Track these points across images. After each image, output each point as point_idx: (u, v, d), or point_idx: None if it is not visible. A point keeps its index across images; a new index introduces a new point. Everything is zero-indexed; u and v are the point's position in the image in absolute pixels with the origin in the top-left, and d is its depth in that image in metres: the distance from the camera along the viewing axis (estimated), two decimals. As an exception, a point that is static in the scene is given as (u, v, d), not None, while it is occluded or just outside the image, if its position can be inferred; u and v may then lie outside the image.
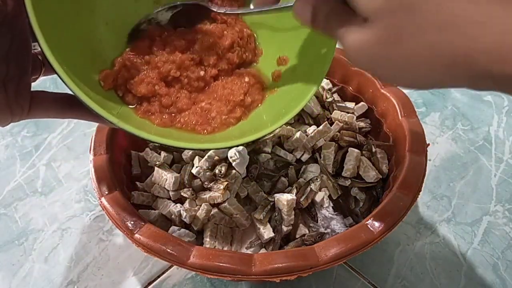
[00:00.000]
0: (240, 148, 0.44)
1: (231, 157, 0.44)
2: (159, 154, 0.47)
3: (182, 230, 0.42)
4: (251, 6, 0.36)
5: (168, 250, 0.35)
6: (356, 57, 0.24)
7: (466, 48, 0.21)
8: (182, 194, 0.44)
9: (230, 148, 0.44)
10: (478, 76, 0.21)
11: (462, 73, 0.21)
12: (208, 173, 0.44)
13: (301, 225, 0.43)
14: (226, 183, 0.43)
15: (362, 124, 0.50)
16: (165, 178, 0.44)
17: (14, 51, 0.30)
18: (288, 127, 0.48)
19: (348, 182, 0.45)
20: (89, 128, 0.64)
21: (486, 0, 0.20)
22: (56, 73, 0.27)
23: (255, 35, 0.39)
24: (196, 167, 0.44)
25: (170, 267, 0.48)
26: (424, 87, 0.25)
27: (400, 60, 0.23)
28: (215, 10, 0.35)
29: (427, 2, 0.21)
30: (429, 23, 0.21)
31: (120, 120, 0.29)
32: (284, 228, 0.42)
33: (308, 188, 0.43)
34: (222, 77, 0.36)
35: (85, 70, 0.32)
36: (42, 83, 0.71)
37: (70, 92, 0.28)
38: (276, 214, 0.42)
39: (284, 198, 0.41)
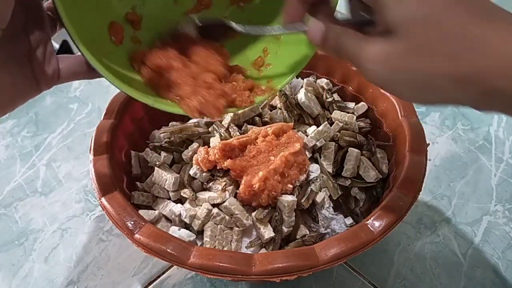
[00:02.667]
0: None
1: None
2: (159, 154, 0.47)
3: (182, 230, 0.42)
4: (267, 27, 0.36)
5: (168, 250, 0.35)
6: (377, 69, 0.25)
7: (482, 66, 0.22)
8: (182, 194, 0.44)
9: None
10: (487, 93, 0.22)
11: (474, 89, 0.23)
12: (204, 174, 0.44)
13: (301, 225, 0.43)
14: (224, 183, 0.43)
15: (362, 124, 0.50)
16: (165, 178, 0.44)
17: (31, 22, 0.30)
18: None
19: (348, 182, 0.45)
20: (89, 128, 0.64)
21: (506, 24, 0.22)
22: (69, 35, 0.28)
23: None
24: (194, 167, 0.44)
25: (170, 267, 0.48)
26: (437, 102, 0.25)
27: (420, 73, 0.23)
28: (238, 29, 0.36)
29: (451, 20, 0.22)
30: (452, 39, 0.22)
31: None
32: (285, 229, 0.42)
33: (309, 189, 0.43)
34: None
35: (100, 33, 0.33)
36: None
37: None
38: (277, 214, 0.42)
39: (285, 200, 0.41)
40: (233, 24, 0.36)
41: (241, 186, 0.42)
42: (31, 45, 0.30)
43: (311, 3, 0.32)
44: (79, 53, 0.29)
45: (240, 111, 0.48)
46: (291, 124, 0.47)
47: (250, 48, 0.41)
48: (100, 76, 0.31)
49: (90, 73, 0.33)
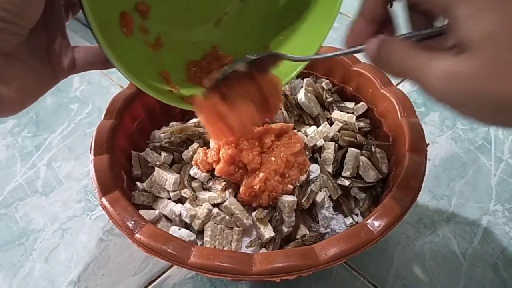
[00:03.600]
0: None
1: None
2: (160, 154, 0.48)
3: (183, 230, 0.42)
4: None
5: (169, 250, 0.35)
6: (445, 88, 0.22)
7: None
8: (182, 194, 0.44)
9: None
10: None
11: None
12: (204, 174, 0.44)
13: (301, 225, 0.43)
14: (224, 183, 0.43)
15: (361, 124, 0.50)
16: (165, 178, 0.44)
17: (49, 14, 0.30)
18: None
19: (348, 182, 0.45)
20: (90, 128, 0.64)
21: None
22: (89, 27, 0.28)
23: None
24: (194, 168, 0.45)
25: (170, 267, 0.48)
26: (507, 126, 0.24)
27: (496, 96, 0.21)
28: (292, 57, 0.36)
29: None
30: None
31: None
32: (285, 229, 0.42)
33: (309, 189, 0.44)
34: None
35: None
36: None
37: None
38: (277, 214, 0.42)
39: (286, 200, 0.41)
40: (287, 55, 0.36)
41: (242, 188, 0.42)
42: (50, 36, 0.31)
43: (379, 23, 0.29)
44: (95, 44, 0.30)
45: None
46: (291, 124, 0.47)
47: (252, 44, 0.41)
48: (113, 67, 0.31)
49: (105, 63, 0.33)
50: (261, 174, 0.41)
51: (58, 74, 0.32)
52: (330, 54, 0.32)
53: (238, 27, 0.42)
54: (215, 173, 0.43)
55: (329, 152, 0.46)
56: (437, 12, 0.24)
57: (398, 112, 0.46)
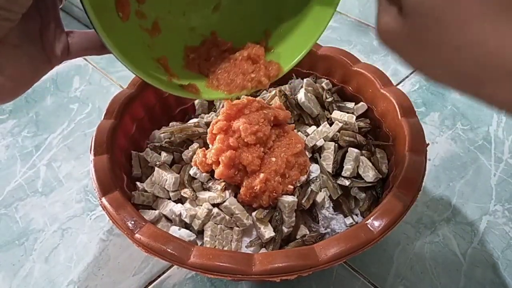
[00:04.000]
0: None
1: None
2: (159, 154, 0.48)
3: (182, 230, 0.42)
4: None
5: (169, 250, 0.35)
6: (381, 38, 0.26)
7: (476, 69, 0.22)
8: (182, 194, 0.44)
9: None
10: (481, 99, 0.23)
11: (469, 94, 0.23)
12: (204, 174, 0.44)
13: (301, 225, 0.43)
14: (223, 183, 0.43)
15: (361, 124, 0.50)
16: (165, 178, 0.44)
17: None
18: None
19: (348, 182, 0.45)
20: (90, 128, 0.64)
21: (505, 20, 0.21)
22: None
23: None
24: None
25: (170, 267, 0.48)
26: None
27: (418, 56, 0.24)
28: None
29: (454, 19, 0.22)
30: (449, 39, 0.22)
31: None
32: (285, 229, 0.42)
33: (309, 189, 0.44)
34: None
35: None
36: (43, 83, 0.71)
37: None
38: (277, 214, 0.42)
39: (286, 200, 0.41)
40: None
41: (242, 189, 0.42)
42: (43, 21, 0.30)
43: None
44: (91, 29, 0.29)
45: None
46: (292, 125, 0.47)
47: (251, 31, 0.40)
48: (109, 52, 0.30)
49: (101, 49, 0.33)
50: (262, 175, 0.41)
51: (52, 60, 0.32)
52: None
53: (237, 12, 0.41)
54: (215, 176, 0.43)
55: (329, 152, 0.46)
56: None
57: (398, 112, 0.46)
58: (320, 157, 0.46)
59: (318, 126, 0.48)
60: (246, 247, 0.42)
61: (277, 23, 0.40)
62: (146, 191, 0.46)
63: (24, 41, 0.30)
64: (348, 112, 0.50)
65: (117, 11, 0.34)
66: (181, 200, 0.45)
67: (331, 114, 0.50)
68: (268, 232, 0.41)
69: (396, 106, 0.46)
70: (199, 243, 0.42)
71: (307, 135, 0.47)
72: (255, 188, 0.41)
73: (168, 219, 0.44)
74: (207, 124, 0.49)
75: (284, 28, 0.40)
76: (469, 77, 0.22)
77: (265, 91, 0.54)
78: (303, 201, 0.43)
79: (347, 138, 0.47)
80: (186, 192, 0.43)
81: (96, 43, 0.33)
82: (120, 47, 0.30)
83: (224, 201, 0.42)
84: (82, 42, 0.33)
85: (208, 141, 0.45)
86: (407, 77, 0.69)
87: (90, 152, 0.43)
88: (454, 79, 0.24)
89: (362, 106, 0.51)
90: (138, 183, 0.47)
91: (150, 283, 0.47)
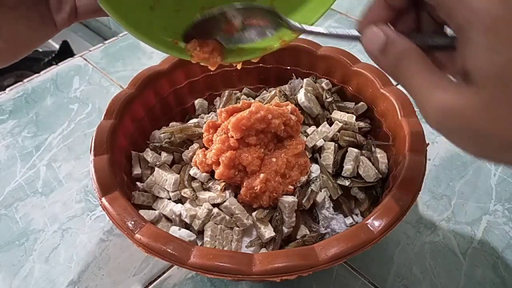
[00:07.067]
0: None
1: None
2: (159, 154, 0.48)
3: (183, 230, 0.42)
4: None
5: (169, 250, 0.35)
6: (439, 122, 0.22)
7: None
8: (182, 194, 0.44)
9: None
10: None
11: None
12: (204, 174, 0.44)
13: (302, 226, 0.43)
14: (223, 183, 0.43)
15: (361, 124, 0.50)
16: (165, 178, 0.44)
17: None
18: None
19: (348, 182, 0.45)
20: (90, 129, 0.64)
21: None
22: None
23: None
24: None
25: (170, 267, 0.48)
26: (501, 162, 0.23)
27: (489, 136, 0.20)
28: (290, 23, 0.32)
29: None
30: None
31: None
32: (285, 230, 0.42)
33: (309, 189, 0.44)
34: None
35: None
36: (43, 83, 0.71)
37: None
38: (277, 214, 0.42)
39: (286, 200, 0.41)
40: (282, 15, 0.32)
41: (242, 189, 0.42)
42: None
43: (398, 10, 0.27)
44: None
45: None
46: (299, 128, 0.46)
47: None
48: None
49: None
50: (262, 175, 0.41)
51: (58, 22, 0.30)
52: (333, 33, 0.30)
53: None
54: (215, 176, 0.43)
55: (329, 152, 0.46)
56: (451, 27, 0.23)
57: (398, 112, 0.46)
58: (320, 157, 0.46)
59: (318, 126, 0.48)
60: (246, 247, 0.42)
61: None
62: (146, 191, 0.46)
63: (22, 2, 0.28)
64: (348, 112, 0.50)
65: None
66: (181, 200, 0.45)
67: (331, 114, 0.50)
68: (268, 232, 0.41)
69: (396, 106, 0.46)
70: (199, 243, 0.42)
71: (307, 135, 0.47)
72: (255, 188, 0.41)
73: (168, 219, 0.44)
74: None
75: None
76: None
77: (265, 91, 0.54)
78: (303, 201, 0.43)
79: (347, 138, 0.47)
80: (186, 192, 0.43)
81: None
82: (120, 10, 0.28)
83: (224, 201, 0.42)
84: (90, 3, 0.31)
85: (204, 143, 0.45)
86: (407, 77, 0.69)
87: (90, 152, 0.43)
88: None
89: (362, 106, 0.51)
90: (138, 183, 0.47)
91: (150, 283, 0.47)
